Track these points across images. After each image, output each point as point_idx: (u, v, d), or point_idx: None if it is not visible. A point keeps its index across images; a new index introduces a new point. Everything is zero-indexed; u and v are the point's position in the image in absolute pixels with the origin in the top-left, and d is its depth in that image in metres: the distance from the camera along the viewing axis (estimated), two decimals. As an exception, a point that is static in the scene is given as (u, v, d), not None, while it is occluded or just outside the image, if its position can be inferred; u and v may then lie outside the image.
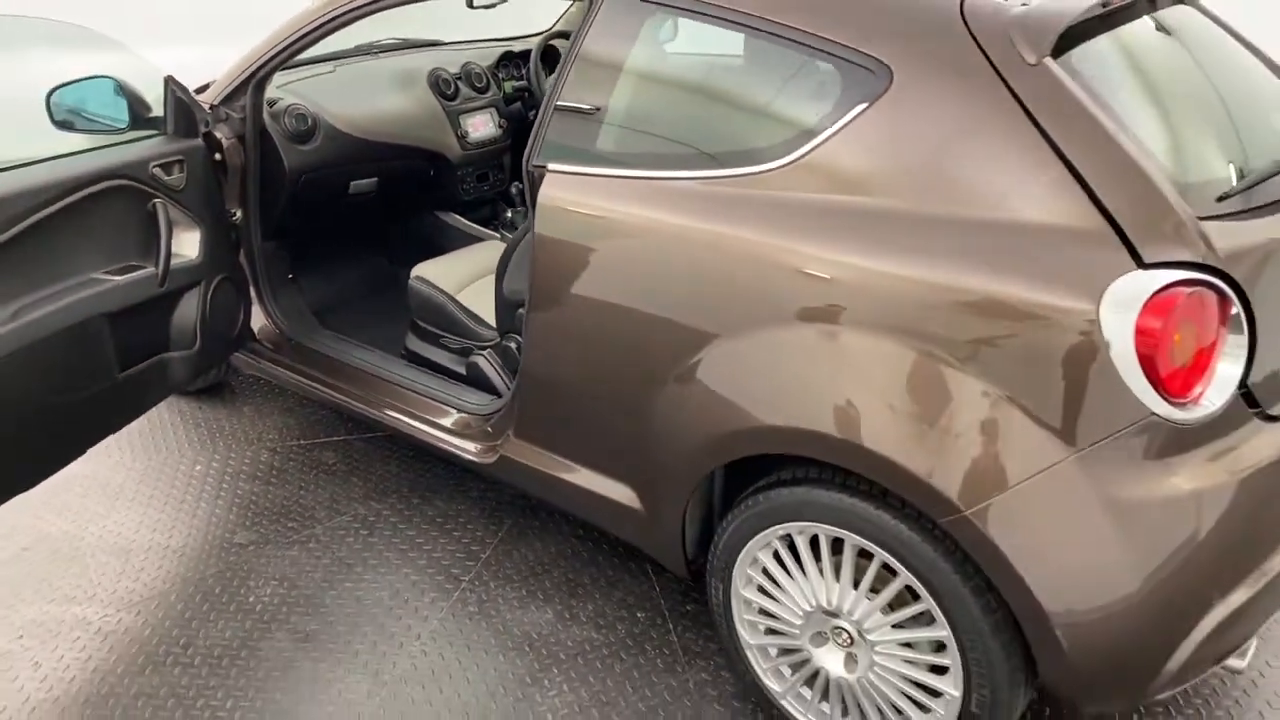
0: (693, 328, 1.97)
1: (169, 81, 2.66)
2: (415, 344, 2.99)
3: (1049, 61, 1.71)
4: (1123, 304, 1.57)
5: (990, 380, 1.66)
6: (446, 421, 2.66)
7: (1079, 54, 1.81)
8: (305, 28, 2.67)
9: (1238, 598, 1.71)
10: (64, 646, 2.41)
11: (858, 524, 1.84)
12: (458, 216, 3.61)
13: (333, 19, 2.61)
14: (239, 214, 3.00)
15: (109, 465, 3.11)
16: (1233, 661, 1.92)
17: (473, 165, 3.56)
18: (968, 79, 1.74)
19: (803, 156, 1.86)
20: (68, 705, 2.24)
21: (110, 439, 3.21)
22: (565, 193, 2.12)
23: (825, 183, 1.83)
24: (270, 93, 3.06)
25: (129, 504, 2.94)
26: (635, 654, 2.38)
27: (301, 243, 3.27)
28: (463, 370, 2.82)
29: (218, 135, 2.87)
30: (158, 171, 2.57)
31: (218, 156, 2.87)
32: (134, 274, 2.49)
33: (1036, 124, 1.68)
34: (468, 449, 2.55)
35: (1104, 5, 1.87)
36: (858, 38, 1.84)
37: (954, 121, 1.74)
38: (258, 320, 3.10)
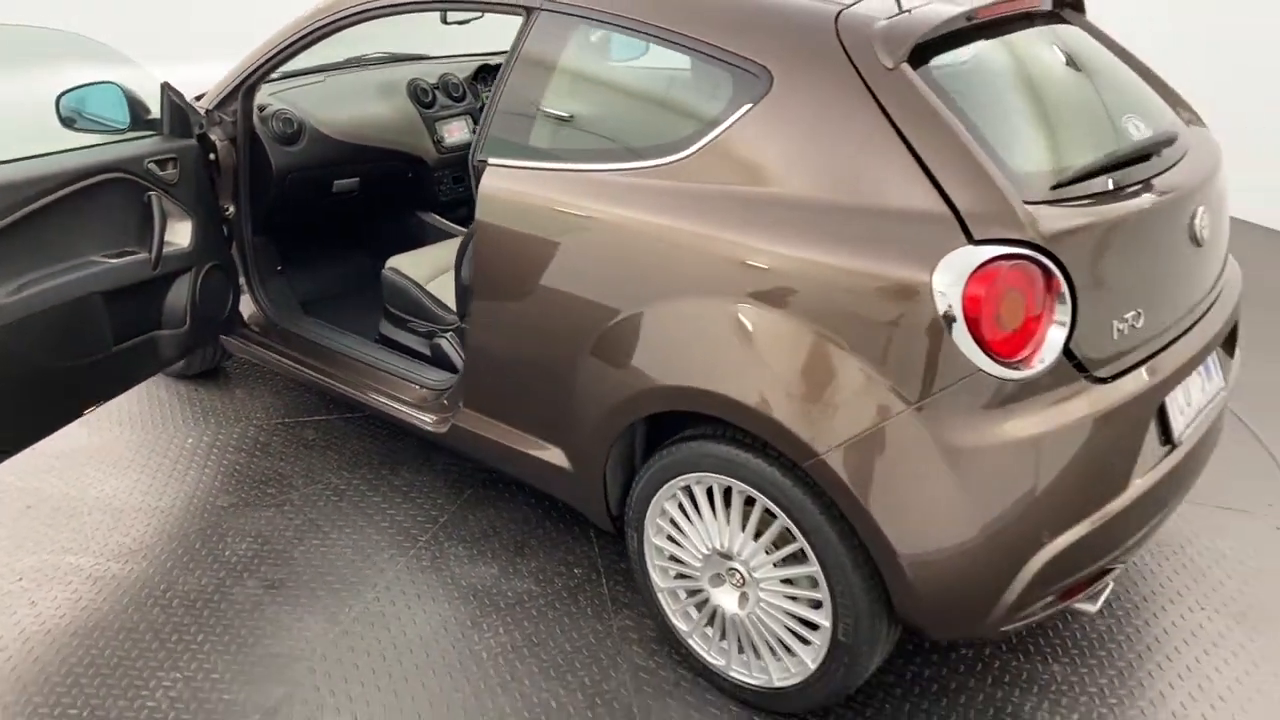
0: (605, 303, 2.23)
1: (165, 87, 2.96)
2: (387, 329, 3.27)
3: (905, 67, 1.97)
4: (953, 274, 1.81)
5: (846, 342, 1.91)
6: (409, 396, 2.93)
7: (945, 60, 2.07)
8: (286, 41, 2.97)
9: (1067, 538, 1.93)
10: (58, 590, 2.69)
11: (742, 473, 2.08)
12: (436, 216, 3.89)
13: (309, 33, 2.90)
14: (231, 209, 3.29)
15: (110, 438, 3.40)
16: (1083, 605, 2.15)
17: (449, 168, 3.85)
18: (836, 82, 2.00)
19: (698, 151, 2.13)
20: (58, 638, 2.51)
21: (112, 415, 3.52)
22: (502, 183, 2.40)
23: (717, 173, 2.09)
24: (262, 99, 3.37)
25: (125, 471, 3.23)
26: (568, 604, 2.63)
27: (290, 237, 3.55)
28: (428, 351, 3.09)
29: (212, 137, 3.16)
30: (153, 167, 2.86)
31: (212, 156, 3.16)
32: (129, 258, 2.78)
33: (891, 121, 1.94)
34: (425, 420, 2.82)
35: (968, 19, 2.13)
36: (745, 45, 2.10)
37: (823, 119, 2.00)
38: (247, 307, 3.38)
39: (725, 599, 2.25)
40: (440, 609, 2.61)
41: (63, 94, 2.90)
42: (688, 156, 2.14)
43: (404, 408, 2.89)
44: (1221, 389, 2.37)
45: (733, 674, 2.29)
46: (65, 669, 2.42)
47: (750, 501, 2.12)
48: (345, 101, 3.60)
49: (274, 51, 3.01)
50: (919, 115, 1.92)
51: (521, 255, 2.37)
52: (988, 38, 2.26)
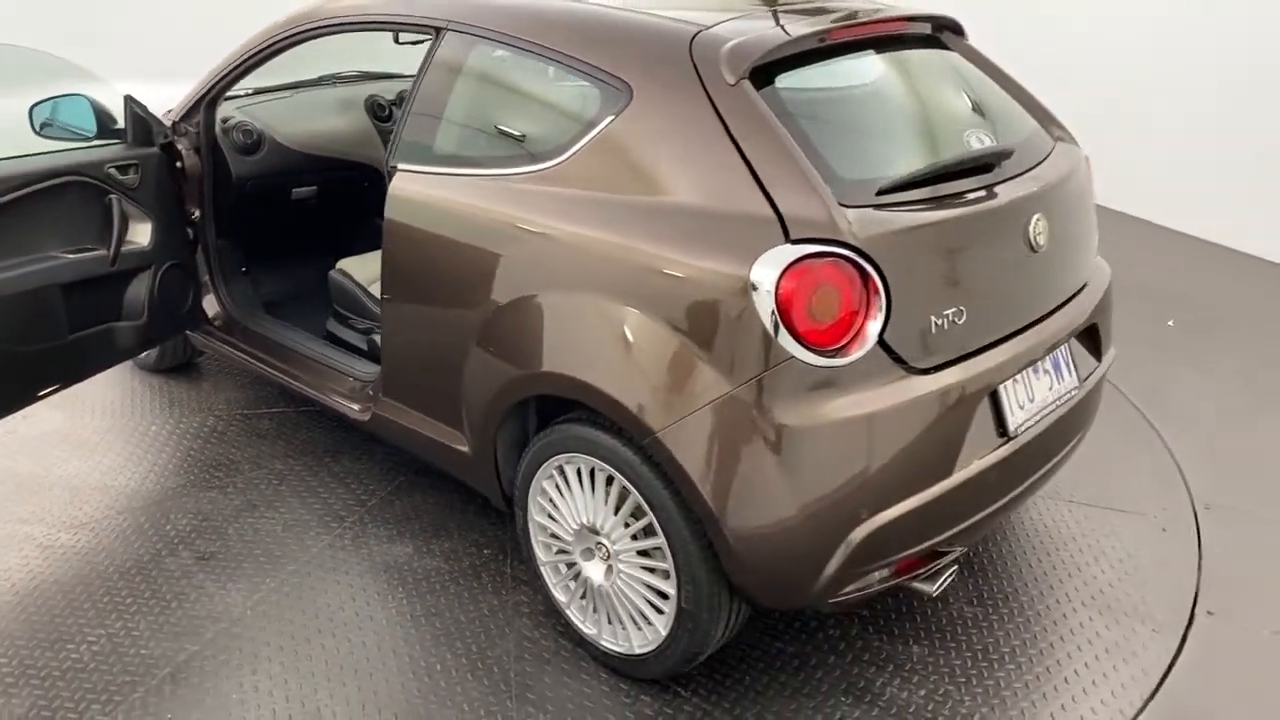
0: (487, 295, 2.44)
1: (128, 100, 3.23)
2: (333, 326, 3.50)
3: (745, 84, 2.16)
4: (768, 270, 2.00)
5: (683, 330, 2.10)
6: (341, 388, 3.15)
7: (794, 77, 2.27)
8: (239, 59, 3.22)
9: (887, 516, 2.09)
10: (11, 555, 2.94)
11: (601, 452, 2.27)
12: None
13: (257, 52, 3.15)
14: (197, 213, 3.55)
15: (81, 423, 3.67)
16: (921, 585, 2.30)
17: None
18: (686, 97, 2.19)
19: (568, 158, 2.33)
20: (18, 599, 2.75)
21: (86, 402, 3.79)
22: (408, 186, 2.62)
23: (582, 178, 2.30)
24: (227, 112, 3.63)
25: (89, 453, 3.48)
26: (471, 580, 2.83)
27: (254, 241, 3.81)
28: (365, 347, 3.32)
29: (179, 146, 3.42)
30: (113, 172, 3.12)
31: (179, 164, 3.43)
32: (88, 254, 3.04)
33: (729, 133, 2.13)
34: (352, 409, 3.04)
35: (820, 40, 2.32)
36: (611, 62, 2.31)
37: (674, 131, 2.20)
38: (211, 306, 3.64)
39: (594, 571, 2.43)
40: (351, 582, 2.82)
41: (35, 104, 3.18)
42: (559, 163, 2.34)
43: (336, 398, 3.11)
44: (1075, 388, 2.51)
45: (603, 643, 2.47)
46: (1, 625, 2.66)
47: (611, 480, 2.31)
48: (305, 115, 3.86)
49: (230, 68, 3.27)
50: (752, 128, 2.11)
51: (422, 252, 2.59)
52: (850, 55, 2.45)
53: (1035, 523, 3.10)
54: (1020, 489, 2.40)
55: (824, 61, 2.39)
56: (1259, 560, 2.93)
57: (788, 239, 2.02)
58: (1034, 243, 2.33)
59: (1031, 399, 2.38)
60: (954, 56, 2.69)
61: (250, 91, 3.90)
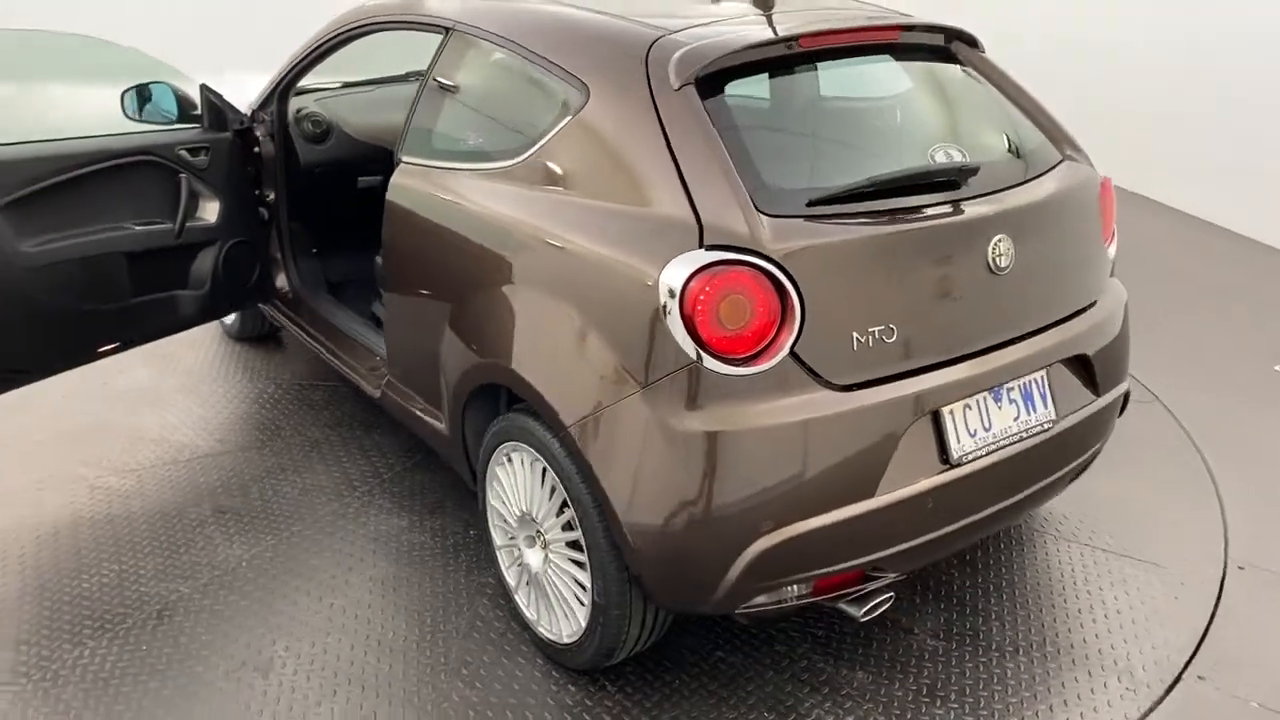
0: (454, 283, 2.54)
1: (203, 88, 3.53)
2: (376, 308, 3.70)
3: (689, 90, 2.17)
4: (676, 274, 2.00)
5: (603, 328, 2.13)
6: (365, 366, 3.34)
7: (753, 83, 2.26)
8: (303, 54, 3.47)
9: (792, 531, 2.05)
10: (63, 493, 3.28)
11: (535, 443, 2.34)
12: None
13: (315, 49, 3.39)
14: (272, 195, 3.84)
15: (161, 380, 4.03)
16: (848, 607, 2.25)
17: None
18: (634, 100, 2.22)
19: (530, 155, 2.41)
20: (40, 527, 3.08)
21: (171, 361, 4.15)
22: (405, 179, 2.77)
23: (538, 175, 2.37)
24: (303, 103, 3.90)
25: (158, 407, 3.83)
26: (449, 557, 2.94)
27: (323, 224, 4.07)
28: (397, 329, 3.50)
29: (256, 133, 3.71)
30: (184, 153, 3.42)
31: (256, 149, 3.72)
32: (154, 227, 3.35)
33: (666, 138, 2.15)
34: (369, 386, 3.22)
35: (789, 48, 2.30)
36: (576, 64, 2.36)
37: (619, 133, 2.23)
38: (282, 282, 3.92)
39: (533, 558, 2.50)
40: (342, 547, 2.99)
41: (126, 90, 3.53)
42: (521, 160, 2.42)
43: (359, 375, 3.30)
44: (1051, 421, 2.37)
45: (539, 629, 2.53)
46: (32, 549, 2.98)
47: (546, 470, 2.37)
48: (375, 109, 4.09)
49: (296, 62, 3.53)
50: (687, 133, 2.12)
51: (409, 241, 2.73)
52: (836, 63, 2.42)
53: (1039, 562, 2.94)
54: (972, 520, 2.30)
55: (800, 68, 2.37)
56: (1276, 630, 2.67)
57: (701, 244, 2.02)
58: (994, 264, 2.22)
59: (987, 427, 2.27)
60: (957, 69, 2.60)
61: (339, 85, 4.18)
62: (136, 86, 3.53)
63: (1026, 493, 2.40)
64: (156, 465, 3.44)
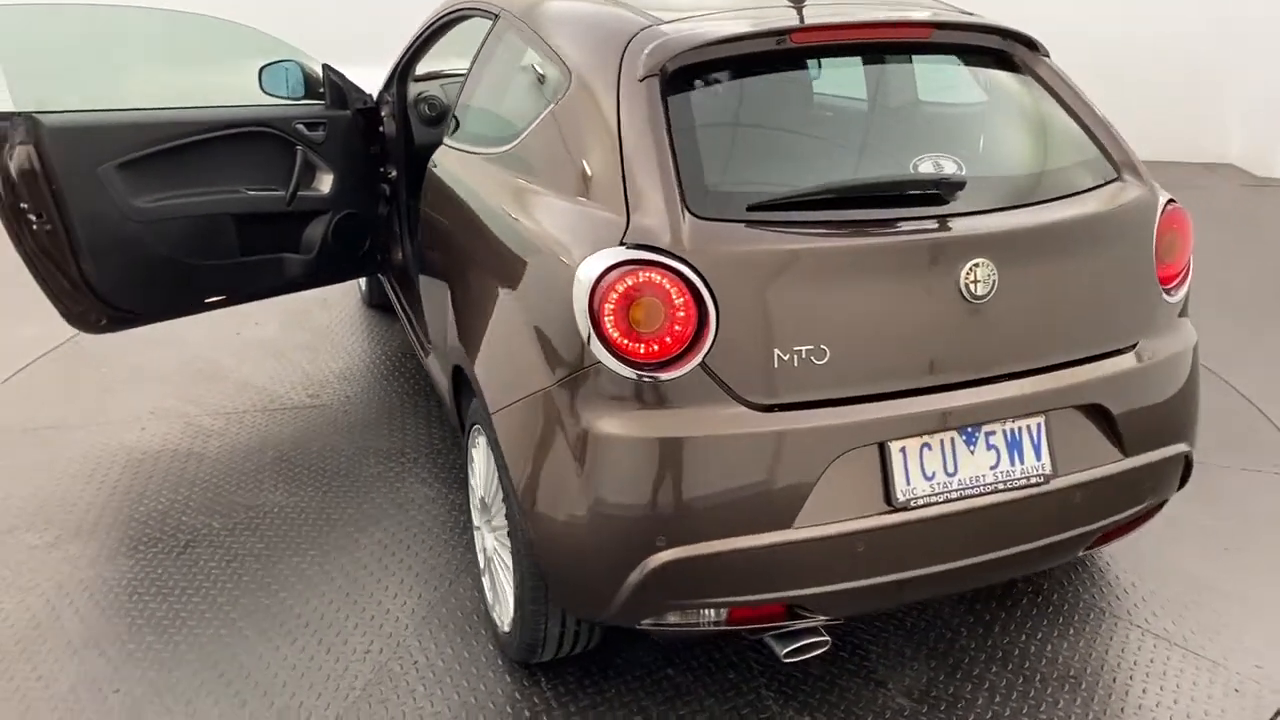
0: (446, 265, 2.60)
1: (325, 68, 3.78)
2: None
3: (651, 81, 2.08)
4: (589, 271, 1.93)
5: (532, 320, 2.11)
6: (423, 334, 3.47)
7: (734, 78, 2.15)
8: (412, 40, 3.64)
9: (692, 551, 1.93)
10: (164, 425, 3.64)
11: (485, 427, 2.34)
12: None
13: (420, 35, 3.54)
14: (395, 173, 4.06)
15: (288, 336, 4.38)
16: (772, 642, 2.11)
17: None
18: (602, 90, 2.17)
19: (518, 142, 2.41)
20: (133, 452, 3.44)
21: (303, 320, 4.50)
22: (443, 158, 2.86)
23: (517, 163, 2.36)
24: (427, 87, 4.10)
25: (275, 360, 4.16)
26: (455, 533, 3.01)
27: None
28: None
29: (382, 113, 3.95)
30: (300, 128, 3.69)
31: (380, 128, 3.95)
32: (266, 193, 3.64)
33: (619, 130, 2.08)
34: (420, 352, 3.35)
35: (778, 43, 2.16)
36: (568, 51, 2.33)
37: (584, 122, 2.19)
38: (400, 257, 4.15)
39: (488, 542, 2.51)
40: (365, 507, 3.13)
41: (263, 66, 3.85)
42: (509, 147, 2.43)
43: (417, 342, 3.44)
44: (1044, 477, 2.08)
45: (493, 613, 2.53)
46: (117, 469, 3.33)
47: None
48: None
49: (409, 47, 3.71)
50: (637, 127, 2.04)
51: (427, 221, 2.82)
52: (838, 60, 2.26)
53: (1066, 632, 2.59)
54: (926, 573, 2.07)
55: (800, 65, 2.22)
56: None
57: (623, 241, 1.94)
58: (968, 291, 1.98)
59: (950, 472, 2.03)
60: (1004, 74, 2.33)
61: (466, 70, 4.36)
62: (271, 63, 3.84)
63: (1005, 553, 2.13)
64: (248, 411, 3.75)
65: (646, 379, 1.91)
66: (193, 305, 3.66)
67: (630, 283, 1.90)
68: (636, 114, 2.05)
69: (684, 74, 2.10)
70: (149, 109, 3.39)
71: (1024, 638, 2.58)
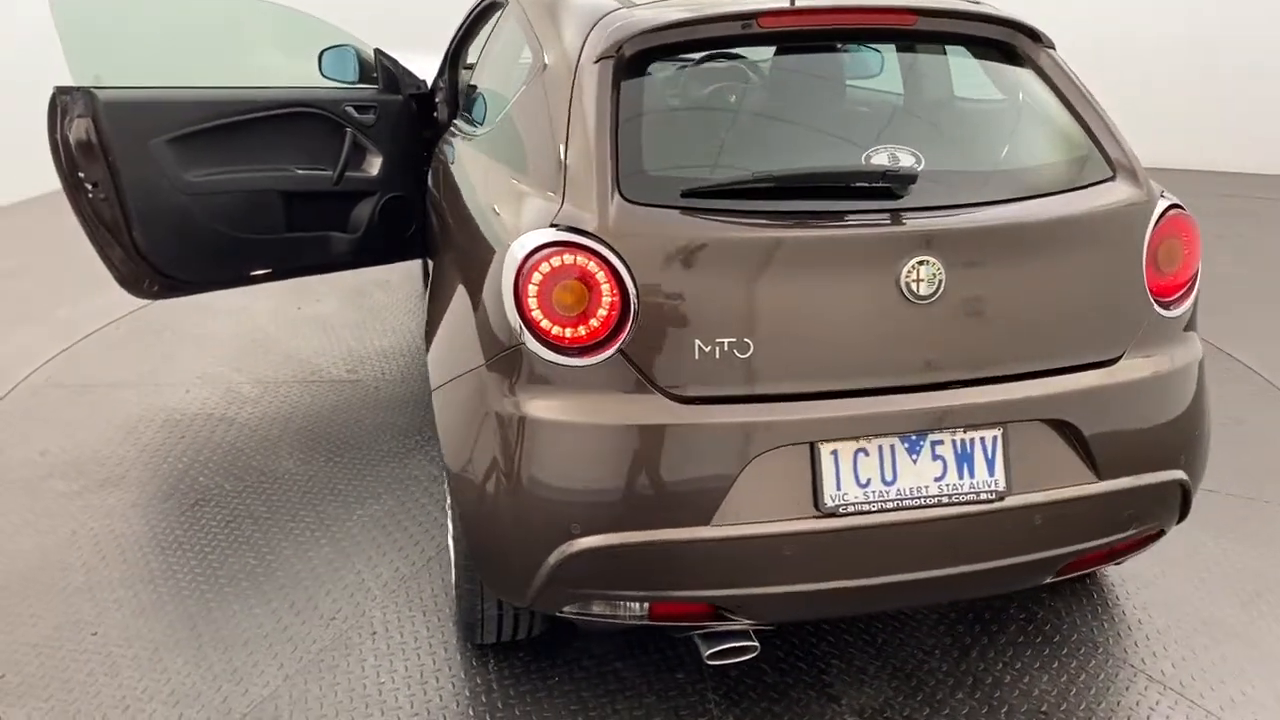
0: (433, 247, 2.62)
1: (377, 53, 3.89)
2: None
3: (605, 63, 2.05)
4: (516, 252, 1.92)
5: (473, 300, 2.11)
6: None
7: (679, 63, 2.10)
8: (460, 26, 3.70)
9: (604, 540, 1.89)
10: (206, 390, 3.82)
11: (442, 406, 2.36)
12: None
13: (462, 24, 3.60)
14: (445, 158, 4.15)
15: (342, 313, 4.54)
16: (700, 643, 2.05)
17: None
18: (564, 72, 2.15)
19: (493, 125, 2.42)
20: (172, 414, 3.62)
21: (360, 298, 4.65)
22: (443, 142, 2.91)
23: (486, 145, 2.37)
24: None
25: (323, 334, 4.32)
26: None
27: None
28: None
29: (436, 99, 4.03)
30: (350, 110, 3.81)
31: (435, 113, 4.04)
32: (314, 172, 3.77)
33: (569, 112, 2.06)
34: None
35: (744, 27, 2.09)
36: (545, 35, 2.32)
37: (545, 104, 2.17)
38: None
39: (449, 520, 2.52)
40: (367, 481, 3.20)
41: (323, 51, 3.98)
42: (487, 129, 2.44)
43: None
44: (995, 494, 1.95)
45: (452, 591, 2.55)
46: (154, 428, 3.51)
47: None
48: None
49: (456, 34, 3.78)
50: (584, 109, 2.01)
51: (431, 202, 2.86)
52: (814, 45, 2.18)
53: (1058, 670, 2.42)
54: (861, 584, 1.97)
55: (769, 49, 2.16)
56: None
57: (553, 223, 1.92)
58: (909, 291, 1.87)
59: (887, 480, 1.93)
60: (998, 65, 2.20)
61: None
62: (331, 48, 3.98)
63: (951, 572, 2.00)
64: (287, 382, 3.90)
65: (563, 364, 1.89)
66: (239, 277, 3.81)
67: (554, 264, 1.87)
68: (586, 96, 2.03)
69: (643, 57, 2.06)
70: (201, 88, 3.56)
71: (1001, 666, 2.43)
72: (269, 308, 4.45)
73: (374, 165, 3.87)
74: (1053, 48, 2.22)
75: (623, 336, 1.86)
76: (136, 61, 3.63)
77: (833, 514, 1.90)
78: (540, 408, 1.91)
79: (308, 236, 3.81)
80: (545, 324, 1.89)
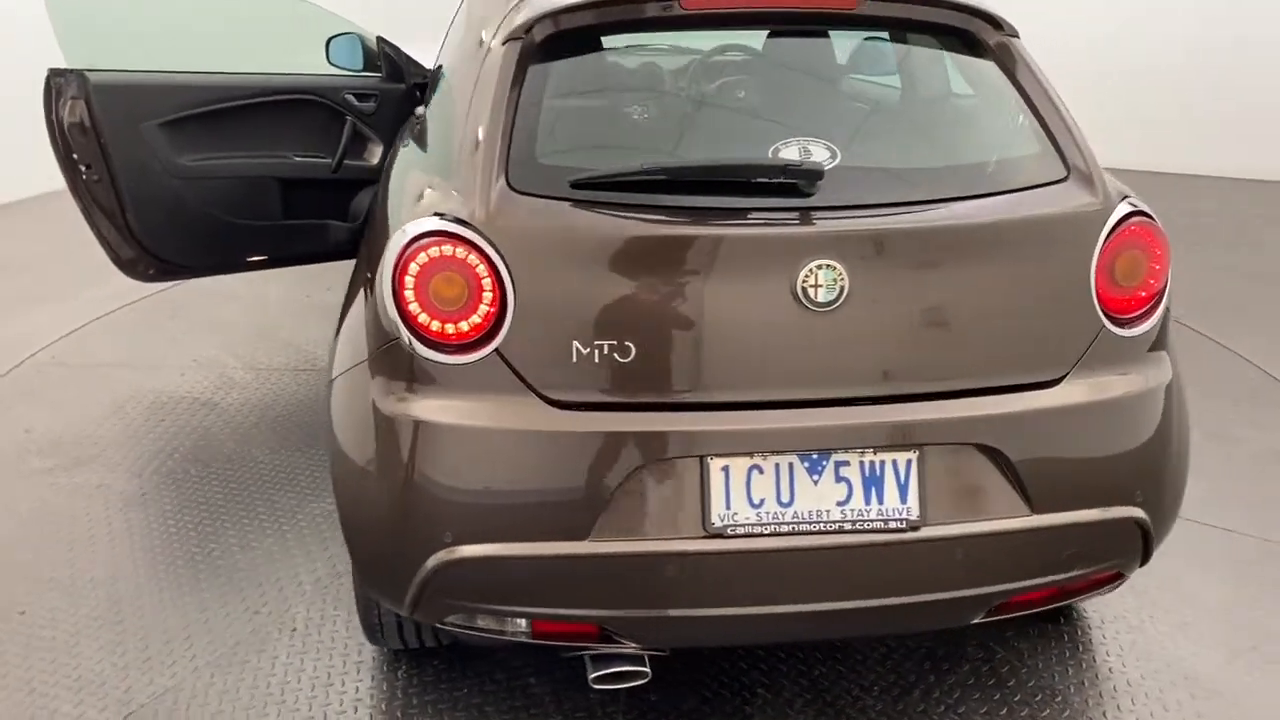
0: (369, 230, 2.54)
1: (380, 40, 3.85)
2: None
3: (512, 45, 1.93)
4: (396, 242, 1.82)
5: (369, 284, 2.02)
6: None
7: (593, 46, 1.98)
8: (454, 16, 3.63)
9: (476, 551, 1.77)
10: (198, 374, 3.84)
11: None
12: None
13: (460, 7, 3.52)
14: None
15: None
16: (589, 663, 1.93)
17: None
18: (478, 54, 2.04)
19: (423, 110, 2.32)
20: (168, 399, 3.64)
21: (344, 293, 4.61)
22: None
23: (415, 133, 2.29)
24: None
25: (323, 322, 4.20)
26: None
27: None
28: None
29: None
30: (350, 98, 3.78)
31: None
32: (312, 160, 3.75)
33: (473, 93, 1.95)
34: None
35: (664, 9, 1.95)
36: (478, 15, 2.23)
37: (456, 90, 2.09)
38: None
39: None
40: (332, 473, 3.16)
41: (330, 38, 3.96)
42: (420, 113, 2.35)
43: None
44: (906, 522, 1.77)
45: (373, 592, 2.47)
46: (144, 409, 3.54)
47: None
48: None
49: (454, 15, 3.71)
50: (481, 93, 1.91)
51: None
52: (749, 30, 2.03)
53: (1007, 717, 2.22)
54: (755, 613, 1.82)
55: (696, 33, 2.03)
56: None
57: (438, 212, 1.82)
58: (805, 297, 1.71)
59: (784, 501, 1.77)
60: (958, 54, 2.02)
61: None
62: (337, 35, 3.95)
63: (857, 605, 1.83)
64: (280, 370, 3.89)
65: (439, 361, 1.78)
66: (236, 262, 3.82)
67: (432, 255, 1.77)
68: (489, 79, 1.92)
69: (556, 40, 1.94)
70: (196, 73, 3.57)
71: (943, 709, 2.23)
72: (278, 294, 4.46)
73: (375, 154, 3.83)
74: (1015, 36, 2.02)
75: (500, 335, 1.75)
76: (132, 45, 3.66)
77: (720, 534, 1.76)
78: (414, 407, 1.81)
79: (306, 224, 3.80)
80: (424, 318, 1.79)
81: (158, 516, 2.93)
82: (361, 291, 2.09)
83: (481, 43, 2.10)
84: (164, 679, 2.30)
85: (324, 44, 3.89)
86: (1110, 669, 2.36)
